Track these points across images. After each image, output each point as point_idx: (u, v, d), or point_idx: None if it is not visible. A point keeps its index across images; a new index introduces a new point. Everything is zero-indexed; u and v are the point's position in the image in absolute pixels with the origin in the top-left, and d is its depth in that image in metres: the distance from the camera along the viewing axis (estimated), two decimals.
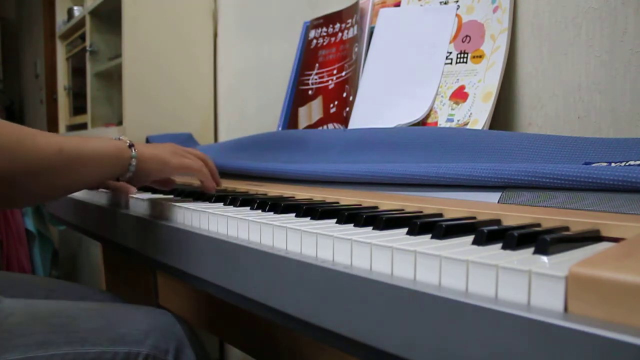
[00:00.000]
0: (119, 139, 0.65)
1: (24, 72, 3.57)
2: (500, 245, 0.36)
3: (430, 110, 0.84)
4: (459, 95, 0.81)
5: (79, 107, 1.83)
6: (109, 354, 0.59)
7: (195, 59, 1.48)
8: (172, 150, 0.69)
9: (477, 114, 0.78)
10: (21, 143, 0.52)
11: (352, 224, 0.47)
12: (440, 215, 0.52)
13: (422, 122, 0.84)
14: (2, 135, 0.51)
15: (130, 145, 0.63)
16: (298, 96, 1.11)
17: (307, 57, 1.11)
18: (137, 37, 1.37)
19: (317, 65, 1.08)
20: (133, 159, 0.63)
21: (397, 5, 0.97)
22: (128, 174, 0.64)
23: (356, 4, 1.02)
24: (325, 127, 1.01)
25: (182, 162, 0.68)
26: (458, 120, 0.80)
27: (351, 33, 1.02)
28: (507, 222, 0.47)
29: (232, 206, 0.64)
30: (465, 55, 0.83)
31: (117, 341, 0.60)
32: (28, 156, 0.53)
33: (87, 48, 1.62)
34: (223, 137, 1.51)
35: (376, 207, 0.58)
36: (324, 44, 1.08)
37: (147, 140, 1.32)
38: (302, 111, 1.09)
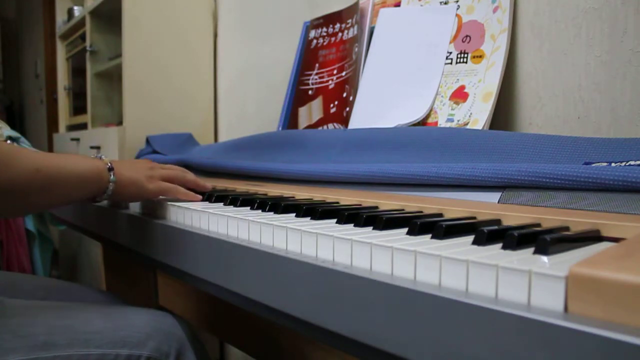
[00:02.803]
0: (100, 157, 0.65)
1: (24, 72, 3.57)
2: (500, 245, 0.36)
3: (430, 110, 0.84)
4: (459, 95, 0.81)
5: (79, 107, 1.83)
6: (110, 356, 0.59)
7: (195, 59, 1.48)
8: (149, 174, 0.68)
9: (477, 114, 0.78)
10: None
11: (352, 224, 0.47)
12: (440, 215, 0.52)
13: (422, 122, 0.84)
14: None
15: (110, 169, 0.63)
16: (298, 96, 1.11)
17: (307, 57, 1.11)
18: (137, 37, 1.37)
19: (317, 65, 1.08)
20: (111, 184, 0.63)
21: (397, 5, 0.97)
22: (104, 196, 0.64)
23: (356, 4, 1.02)
24: (325, 127, 1.01)
25: (159, 188, 0.68)
26: (458, 120, 0.80)
27: (351, 33, 1.02)
28: (507, 222, 0.46)
29: (232, 206, 0.64)
30: (465, 55, 0.83)
31: (119, 343, 0.60)
32: (2, 176, 0.52)
33: (87, 48, 1.62)
34: (223, 137, 1.51)
35: (376, 207, 0.58)
36: (324, 44, 1.08)
37: (147, 140, 1.32)
38: (302, 111, 1.09)
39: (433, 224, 0.42)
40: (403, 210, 0.56)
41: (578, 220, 0.42)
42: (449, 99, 0.82)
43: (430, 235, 0.41)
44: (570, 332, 0.25)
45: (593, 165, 0.51)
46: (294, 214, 0.55)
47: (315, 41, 1.10)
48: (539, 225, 0.44)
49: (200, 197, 0.71)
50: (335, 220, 0.50)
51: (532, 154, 0.60)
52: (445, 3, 0.89)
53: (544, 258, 0.32)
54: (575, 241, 0.37)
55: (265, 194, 0.74)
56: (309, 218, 0.52)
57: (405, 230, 0.43)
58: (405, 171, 0.63)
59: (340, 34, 1.05)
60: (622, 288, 0.25)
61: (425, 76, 0.87)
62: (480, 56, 0.81)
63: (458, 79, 0.83)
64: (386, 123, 0.86)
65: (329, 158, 0.83)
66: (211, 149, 1.18)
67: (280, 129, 1.13)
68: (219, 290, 0.53)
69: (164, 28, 1.42)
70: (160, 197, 0.70)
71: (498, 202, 0.54)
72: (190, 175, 0.74)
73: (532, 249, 0.34)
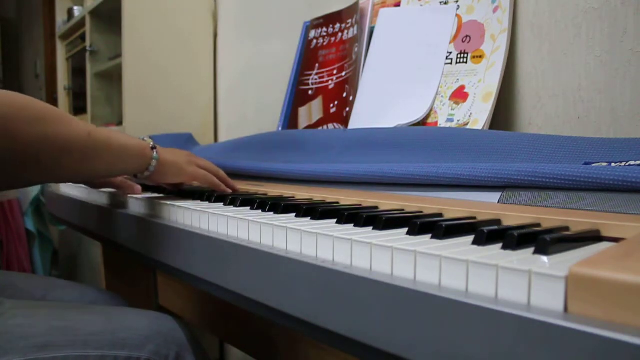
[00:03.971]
0: (143, 139, 0.68)
1: (24, 72, 3.57)
2: (500, 245, 0.36)
3: (430, 110, 0.84)
4: (459, 95, 0.81)
5: (79, 107, 1.84)
6: (109, 358, 0.59)
7: (195, 59, 1.48)
8: (188, 159, 0.73)
9: (477, 114, 0.78)
10: (53, 118, 0.55)
11: (352, 224, 0.47)
12: (440, 215, 0.52)
13: (422, 122, 0.84)
14: (36, 109, 0.53)
15: (153, 148, 0.67)
16: (298, 96, 1.11)
17: (307, 57, 1.11)
18: (137, 37, 1.37)
19: (317, 65, 1.08)
20: (154, 160, 0.67)
21: (397, 5, 0.97)
22: (146, 173, 0.68)
23: (356, 4, 1.02)
24: (325, 127, 1.01)
25: (196, 172, 0.73)
26: (458, 120, 0.80)
27: (351, 33, 1.02)
28: (507, 222, 0.47)
29: (232, 206, 0.64)
30: (465, 55, 0.83)
31: (118, 345, 0.60)
32: (58, 132, 0.55)
33: (87, 48, 1.62)
34: (223, 137, 1.51)
35: (376, 207, 0.58)
36: (324, 44, 1.08)
37: None
38: (302, 111, 1.09)
39: (433, 224, 0.42)
40: (403, 210, 0.56)
41: (578, 220, 0.42)
42: (449, 99, 0.82)
43: (430, 235, 0.41)
44: (570, 332, 0.25)
45: (593, 165, 0.51)
46: (294, 214, 0.55)
47: (315, 41, 1.10)
48: (539, 225, 0.44)
49: (229, 190, 0.76)
50: (335, 220, 0.50)
51: (532, 154, 0.60)
52: (445, 3, 0.89)
53: (544, 258, 0.32)
54: (575, 241, 0.37)
55: (265, 194, 0.74)
56: (309, 218, 0.52)
57: (405, 230, 0.43)
58: (405, 171, 0.63)
59: (340, 34, 1.05)
60: (622, 288, 0.25)
61: (425, 76, 0.87)
62: (480, 56, 0.81)
63: (458, 79, 0.83)
64: (386, 123, 0.86)
65: (329, 158, 0.83)
66: (211, 150, 1.18)
67: (280, 129, 1.13)
68: (219, 290, 0.53)
69: (164, 28, 1.42)
70: (193, 182, 0.75)
71: (498, 202, 0.54)
72: (222, 173, 0.78)
73: (532, 249, 0.34)
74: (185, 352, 0.64)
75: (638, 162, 0.50)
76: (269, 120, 1.30)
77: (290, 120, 1.11)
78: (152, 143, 0.68)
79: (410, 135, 0.75)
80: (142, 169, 0.67)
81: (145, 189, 0.86)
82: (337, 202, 0.63)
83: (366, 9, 1.00)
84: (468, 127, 0.78)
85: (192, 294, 1.04)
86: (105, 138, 0.60)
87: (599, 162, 0.53)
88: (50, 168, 0.57)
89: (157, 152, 0.67)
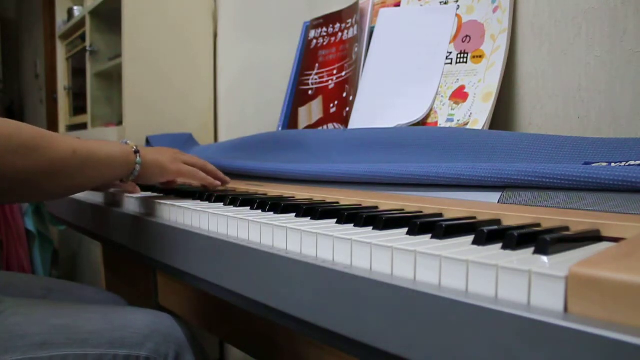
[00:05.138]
0: (126, 143, 0.69)
1: (24, 72, 3.57)
2: (500, 245, 0.36)
3: (430, 110, 0.84)
4: (459, 95, 0.81)
5: (79, 107, 1.83)
6: (108, 356, 0.59)
7: (195, 59, 1.48)
8: (172, 156, 0.73)
9: (477, 114, 0.78)
10: (39, 144, 0.56)
11: (352, 224, 0.47)
12: (440, 215, 0.52)
13: (422, 122, 0.84)
14: (22, 136, 0.54)
15: (136, 151, 0.68)
16: (298, 96, 1.11)
17: (307, 57, 1.11)
18: (137, 37, 1.37)
19: (317, 65, 1.08)
20: (137, 165, 0.68)
21: (397, 5, 0.97)
22: (131, 177, 0.68)
23: (356, 4, 1.02)
24: (325, 127, 1.01)
25: (180, 169, 0.73)
26: (458, 120, 0.80)
27: (351, 33, 1.02)
28: (507, 222, 0.46)
29: (232, 206, 0.64)
30: (465, 55, 0.83)
31: (117, 344, 0.60)
32: (45, 156, 0.56)
33: (87, 48, 1.62)
34: (223, 137, 1.51)
35: (376, 207, 0.58)
36: (324, 44, 1.08)
37: (147, 141, 1.32)
38: (302, 111, 1.08)
39: (433, 224, 0.41)
40: (403, 210, 0.56)
41: (578, 220, 0.42)
42: (449, 99, 0.82)
43: (430, 235, 0.41)
44: (570, 332, 0.25)
45: (593, 165, 0.51)
46: (294, 214, 0.55)
47: (315, 41, 1.10)
48: (538, 225, 0.44)
49: (218, 183, 0.76)
50: (335, 220, 0.50)
51: (532, 153, 0.60)
52: (445, 3, 0.89)
53: (544, 258, 0.32)
54: (575, 241, 0.37)
55: (265, 194, 0.74)
56: (309, 218, 0.52)
57: (405, 230, 0.43)
58: (405, 171, 0.63)
59: (340, 34, 1.05)
60: (622, 288, 0.25)
61: (425, 76, 0.87)
62: (480, 56, 0.81)
63: (458, 79, 0.83)
64: (386, 123, 0.86)
65: (329, 158, 0.83)
66: (211, 149, 1.18)
67: (280, 129, 1.13)
68: (219, 290, 0.53)
69: (163, 28, 1.42)
70: (180, 179, 0.76)
71: (498, 202, 0.54)
72: (210, 166, 0.78)
73: (532, 249, 0.34)
74: (184, 351, 0.64)
75: (638, 162, 0.50)
76: (269, 120, 1.30)
77: (290, 120, 1.11)
78: (134, 147, 0.68)
79: (410, 135, 0.75)
80: (127, 174, 0.68)
81: (145, 188, 0.86)
82: (337, 202, 0.63)
83: (366, 9, 1.00)
84: (468, 127, 0.78)
85: (192, 294, 1.04)
86: (90, 152, 0.61)
87: (599, 162, 0.53)
88: (38, 190, 0.59)
89: (140, 156, 0.68)
